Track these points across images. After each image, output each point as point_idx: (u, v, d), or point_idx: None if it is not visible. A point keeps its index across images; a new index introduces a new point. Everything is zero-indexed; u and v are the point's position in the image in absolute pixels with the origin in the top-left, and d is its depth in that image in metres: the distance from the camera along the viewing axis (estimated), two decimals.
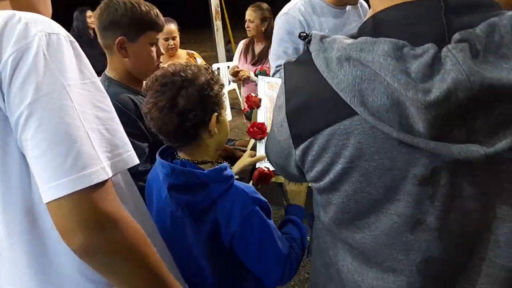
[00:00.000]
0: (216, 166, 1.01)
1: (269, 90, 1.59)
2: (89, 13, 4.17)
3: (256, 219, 1.01)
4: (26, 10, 0.68)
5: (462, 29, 0.50)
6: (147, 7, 1.33)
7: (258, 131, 1.45)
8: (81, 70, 0.65)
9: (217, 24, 6.77)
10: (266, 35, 2.96)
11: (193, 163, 1.04)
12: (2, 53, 0.59)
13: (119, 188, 0.77)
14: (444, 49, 0.50)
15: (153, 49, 1.39)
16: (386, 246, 0.62)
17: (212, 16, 6.67)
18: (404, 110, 0.51)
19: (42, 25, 0.63)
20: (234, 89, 5.80)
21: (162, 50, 1.45)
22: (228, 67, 5.23)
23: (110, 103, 0.70)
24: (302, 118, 0.63)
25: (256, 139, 1.47)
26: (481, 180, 0.55)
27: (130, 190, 0.87)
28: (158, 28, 1.38)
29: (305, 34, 0.65)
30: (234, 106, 6.03)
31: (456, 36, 0.50)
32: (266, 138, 1.45)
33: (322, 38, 0.61)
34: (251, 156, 1.42)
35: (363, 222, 0.63)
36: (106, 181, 0.62)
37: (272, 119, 0.74)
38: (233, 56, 3.46)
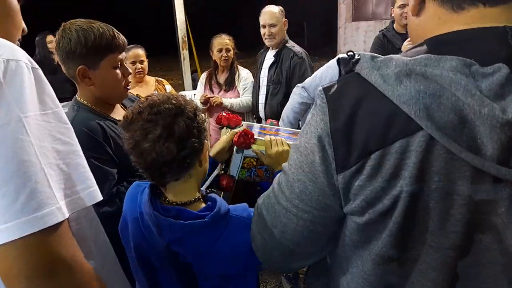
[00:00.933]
0: (212, 212, 0.95)
1: (243, 170, 1.48)
2: (49, 38, 3.99)
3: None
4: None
5: None
6: (100, 29, 1.26)
7: (246, 137, 1.37)
8: (42, 100, 0.61)
9: (184, 53, 6.82)
10: (232, 65, 3.06)
11: (182, 206, 0.99)
12: None
13: (78, 224, 0.72)
14: None
15: (118, 71, 1.35)
16: (432, 282, 0.57)
17: (179, 45, 6.72)
18: (472, 130, 0.48)
19: (3, 50, 0.59)
20: None
21: (130, 70, 1.42)
22: (194, 95, 5.26)
23: (74, 135, 0.66)
24: (350, 138, 0.56)
25: (241, 148, 1.41)
26: None
27: (91, 224, 0.81)
28: (118, 48, 1.33)
29: (352, 54, 0.63)
30: None
31: None
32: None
33: (373, 57, 0.59)
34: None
35: (410, 255, 0.57)
36: (61, 222, 0.57)
37: (292, 153, 0.67)
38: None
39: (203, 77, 3.30)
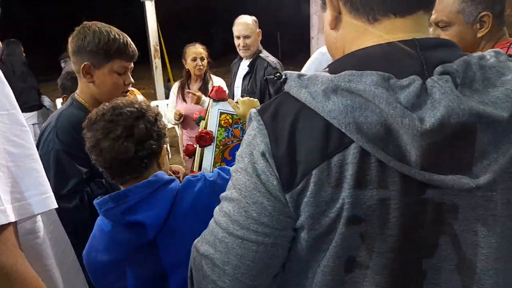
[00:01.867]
0: (154, 173, 1.04)
1: (221, 128, 1.55)
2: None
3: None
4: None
5: (439, 63, 0.54)
6: (116, 35, 1.35)
7: (206, 137, 1.48)
8: (2, 101, 0.58)
9: (156, 62, 6.72)
10: (205, 74, 3.03)
11: None
12: None
13: (35, 237, 0.66)
14: (429, 80, 0.52)
15: (120, 77, 1.41)
16: (378, 286, 0.59)
17: (151, 54, 6.62)
18: (397, 139, 0.52)
19: None
20: (174, 127, 5.69)
21: (132, 80, 1.48)
22: (167, 105, 5.17)
23: (30, 138, 0.62)
24: (293, 158, 0.58)
25: (202, 147, 1.50)
26: (461, 208, 0.56)
27: (54, 239, 0.75)
28: (126, 57, 1.40)
29: (279, 75, 0.64)
30: (173, 145, 5.88)
31: (439, 68, 0.53)
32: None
33: (300, 76, 0.61)
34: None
35: (355, 263, 0.60)
36: (4, 226, 0.52)
37: (239, 177, 0.64)
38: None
39: (175, 86, 3.24)
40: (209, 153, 1.48)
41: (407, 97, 0.51)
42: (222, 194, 0.68)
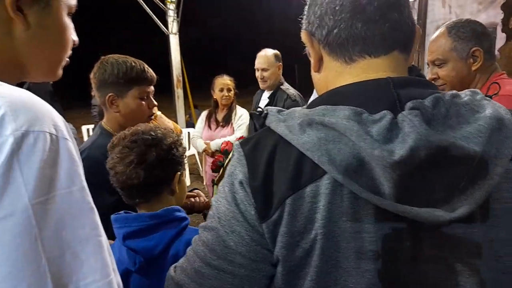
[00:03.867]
0: (168, 207, 1.04)
1: None
2: None
3: None
4: (6, 63, 0.60)
5: (411, 99, 0.56)
6: (132, 64, 1.43)
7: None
8: (61, 178, 0.51)
9: (178, 91, 6.97)
10: (231, 104, 3.20)
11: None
12: None
13: None
14: (400, 115, 0.54)
15: (143, 102, 1.48)
16: None
17: (173, 84, 6.88)
18: (370, 171, 0.53)
19: (24, 118, 0.48)
20: (194, 155, 5.83)
21: (155, 102, 1.55)
22: (189, 133, 5.33)
23: (93, 217, 0.55)
24: (268, 188, 0.59)
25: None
26: (439, 243, 0.55)
27: None
28: (145, 82, 1.47)
29: (260, 110, 0.68)
30: (193, 172, 6.00)
31: (409, 104, 0.55)
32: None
33: (279, 111, 0.64)
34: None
35: None
36: None
37: (219, 206, 0.64)
38: (192, 122, 3.58)
39: (204, 114, 3.46)
40: None
41: (378, 130, 0.53)
42: (202, 224, 0.67)
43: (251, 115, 0.70)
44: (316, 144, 0.55)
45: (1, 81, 0.55)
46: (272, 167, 0.59)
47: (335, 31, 0.62)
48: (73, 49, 0.72)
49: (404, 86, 0.59)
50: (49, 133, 0.50)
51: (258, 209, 0.59)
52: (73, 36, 0.69)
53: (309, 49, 0.69)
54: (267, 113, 0.65)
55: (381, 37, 0.61)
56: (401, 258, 0.56)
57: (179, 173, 1.11)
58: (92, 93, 1.56)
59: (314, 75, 0.72)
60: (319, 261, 0.56)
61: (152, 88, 1.52)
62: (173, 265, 0.70)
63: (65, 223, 0.50)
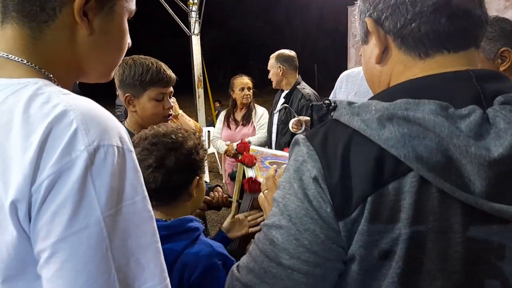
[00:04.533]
0: (181, 217, 1.02)
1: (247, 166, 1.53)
2: None
3: (217, 273, 0.97)
4: (67, 66, 0.61)
5: (495, 93, 0.54)
6: (150, 65, 1.47)
7: (255, 185, 1.35)
8: (127, 190, 0.53)
9: (199, 91, 7.08)
10: (249, 103, 3.23)
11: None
12: (41, 171, 0.47)
13: None
14: (490, 110, 0.52)
15: (158, 103, 1.51)
16: None
17: (194, 84, 6.99)
18: (458, 168, 0.50)
19: (95, 133, 0.50)
20: (213, 153, 5.92)
21: (171, 103, 1.59)
22: (209, 131, 5.43)
23: (153, 224, 0.57)
24: (347, 185, 0.55)
25: (255, 193, 1.39)
26: None
27: None
28: (161, 84, 1.49)
29: (328, 102, 0.64)
30: (212, 170, 6.09)
31: (500, 98, 0.53)
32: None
33: (350, 104, 0.60)
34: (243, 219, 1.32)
35: None
36: None
37: (287, 204, 0.60)
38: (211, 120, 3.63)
39: (222, 114, 3.52)
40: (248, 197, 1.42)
41: (469, 126, 0.50)
42: (265, 222, 0.64)
43: (311, 107, 0.68)
44: (400, 141, 0.52)
45: (61, 85, 0.59)
46: (349, 163, 0.55)
47: (413, 24, 0.58)
48: None
49: (486, 79, 0.57)
50: (116, 146, 0.52)
51: (335, 207, 0.56)
52: (128, 39, 0.70)
53: (372, 38, 0.64)
54: (335, 106, 0.61)
55: (464, 33, 0.59)
56: (488, 259, 0.54)
57: (198, 177, 1.08)
58: (117, 93, 1.63)
59: (373, 67, 0.67)
60: (401, 262, 0.54)
61: (170, 89, 1.55)
62: (235, 265, 0.68)
63: (130, 232, 0.52)
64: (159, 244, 0.58)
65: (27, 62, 0.56)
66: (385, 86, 0.65)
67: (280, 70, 3.04)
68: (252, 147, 1.65)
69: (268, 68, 3.07)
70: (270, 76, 3.08)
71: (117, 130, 0.54)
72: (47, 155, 0.47)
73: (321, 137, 0.60)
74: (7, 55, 0.55)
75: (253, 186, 1.33)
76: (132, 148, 0.56)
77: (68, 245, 0.47)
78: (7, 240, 0.48)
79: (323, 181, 0.56)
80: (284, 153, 1.75)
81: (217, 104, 9.12)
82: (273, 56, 3.08)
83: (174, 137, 1.03)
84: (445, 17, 0.57)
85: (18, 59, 0.56)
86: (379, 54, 0.64)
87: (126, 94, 1.49)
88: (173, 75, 1.53)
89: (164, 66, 1.52)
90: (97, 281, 0.48)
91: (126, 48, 0.71)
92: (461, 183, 0.50)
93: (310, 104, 0.69)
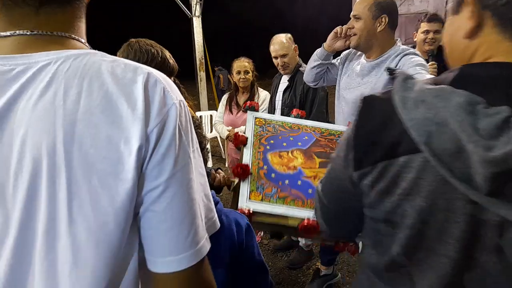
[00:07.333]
0: None
1: (257, 126, 1.75)
2: None
3: (253, 233, 1.13)
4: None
5: None
6: (155, 54, 1.43)
7: (242, 172, 1.51)
8: (194, 135, 0.64)
9: (201, 74, 7.02)
10: (252, 87, 3.13)
11: None
12: (150, 121, 0.55)
13: None
14: None
15: None
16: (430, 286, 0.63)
17: (196, 67, 6.93)
18: (467, 159, 0.52)
19: (174, 91, 0.60)
20: (216, 137, 5.91)
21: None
22: (211, 115, 5.40)
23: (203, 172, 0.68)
24: (367, 145, 0.64)
25: (240, 179, 1.52)
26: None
27: None
28: (166, 71, 1.45)
29: (392, 69, 0.67)
30: (215, 154, 6.10)
31: None
32: (259, 178, 1.54)
33: (406, 79, 0.63)
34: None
35: (415, 258, 0.64)
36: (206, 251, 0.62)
37: (339, 144, 0.76)
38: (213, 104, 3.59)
39: (224, 98, 3.40)
40: (245, 185, 1.53)
41: (488, 125, 0.51)
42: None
43: (388, 69, 0.70)
44: (419, 123, 0.56)
45: None
46: (377, 132, 0.63)
47: None
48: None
49: None
50: (182, 101, 0.62)
51: (355, 159, 0.66)
52: None
53: (465, 10, 0.61)
54: (394, 78, 0.65)
55: None
56: (487, 236, 0.56)
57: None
58: None
59: (460, 41, 0.63)
60: (400, 229, 0.63)
61: (172, 79, 1.53)
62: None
63: (199, 171, 0.63)
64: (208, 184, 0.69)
65: (79, 38, 0.62)
66: (464, 62, 0.63)
67: (296, 51, 2.87)
68: (263, 115, 1.83)
69: (284, 53, 2.80)
70: (286, 61, 2.82)
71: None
72: (151, 109, 0.56)
73: (373, 101, 0.67)
74: (63, 34, 0.60)
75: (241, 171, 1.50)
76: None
77: (175, 180, 0.57)
78: (123, 188, 0.54)
79: (352, 135, 0.67)
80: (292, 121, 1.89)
81: (216, 68, 9.06)
82: (286, 40, 2.82)
83: None
84: None
85: (73, 35, 0.62)
86: (473, 28, 0.60)
87: None
88: (176, 65, 1.51)
89: (168, 55, 1.49)
90: (196, 209, 0.59)
91: None
92: (466, 172, 0.52)
93: (387, 68, 0.72)
